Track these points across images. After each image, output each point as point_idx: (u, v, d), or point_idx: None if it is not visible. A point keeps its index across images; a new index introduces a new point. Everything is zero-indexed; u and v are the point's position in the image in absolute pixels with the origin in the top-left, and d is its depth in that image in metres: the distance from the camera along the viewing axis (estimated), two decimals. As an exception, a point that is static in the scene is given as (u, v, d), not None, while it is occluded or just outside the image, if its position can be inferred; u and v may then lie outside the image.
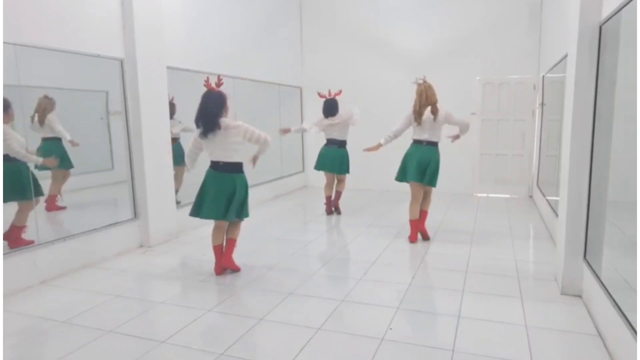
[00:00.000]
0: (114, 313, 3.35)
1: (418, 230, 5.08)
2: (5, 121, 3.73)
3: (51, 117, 4.36)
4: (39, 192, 4.08)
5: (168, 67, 5.19)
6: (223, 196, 3.89)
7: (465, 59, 7.71)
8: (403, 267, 4.20)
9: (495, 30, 7.56)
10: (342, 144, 6.26)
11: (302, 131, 6.41)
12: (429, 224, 5.46)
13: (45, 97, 4.34)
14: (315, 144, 8.63)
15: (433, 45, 7.93)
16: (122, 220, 4.85)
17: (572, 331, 2.99)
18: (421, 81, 4.94)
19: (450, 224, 5.80)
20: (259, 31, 7.45)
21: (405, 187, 8.52)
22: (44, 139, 4.35)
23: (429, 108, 4.80)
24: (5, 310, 3.37)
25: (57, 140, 4.45)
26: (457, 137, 5.20)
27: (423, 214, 5.13)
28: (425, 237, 5.12)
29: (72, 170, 4.66)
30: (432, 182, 4.91)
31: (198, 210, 3.97)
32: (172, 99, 5.56)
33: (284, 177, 8.27)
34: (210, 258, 4.64)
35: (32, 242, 3.93)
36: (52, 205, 4.49)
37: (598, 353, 2.69)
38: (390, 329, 3.01)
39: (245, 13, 7.04)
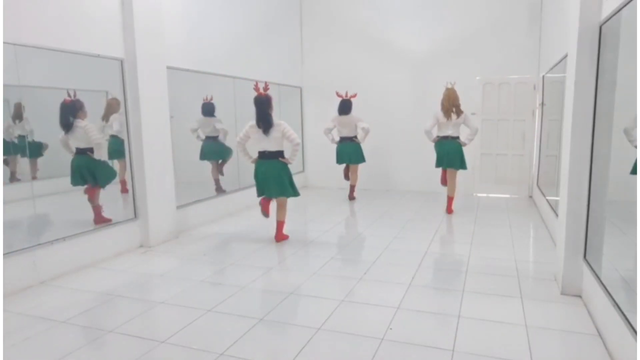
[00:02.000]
0: (114, 313, 3.36)
1: (445, 178, 6.37)
2: (81, 117, 4.46)
3: (114, 117, 4.91)
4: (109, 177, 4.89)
5: (168, 67, 5.19)
6: (267, 177, 4.81)
7: (465, 59, 7.70)
8: (403, 267, 4.20)
9: (495, 30, 7.56)
10: (353, 139, 7.20)
11: (330, 131, 7.27)
12: (431, 223, 5.60)
13: (114, 98, 4.86)
14: (315, 144, 8.67)
15: (433, 45, 7.93)
16: (122, 220, 4.86)
17: (572, 331, 2.99)
18: (450, 85, 6.12)
19: (450, 224, 5.80)
20: (259, 31, 7.45)
21: (405, 186, 8.61)
22: (112, 136, 4.94)
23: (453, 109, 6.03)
24: (5, 310, 3.37)
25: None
26: (464, 144, 6.18)
27: (449, 199, 6.37)
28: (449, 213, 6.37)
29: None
30: (462, 166, 6.19)
31: (261, 192, 4.96)
32: (211, 99, 6.25)
33: (284, 177, 8.25)
34: (209, 258, 4.67)
35: (110, 220, 4.75)
36: (124, 188, 5.17)
37: (598, 353, 2.69)
38: (390, 329, 3.01)
39: (245, 13, 7.04)
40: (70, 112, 4.41)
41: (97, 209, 4.70)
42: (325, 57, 8.65)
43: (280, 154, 4.83)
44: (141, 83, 4.79)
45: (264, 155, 4.83)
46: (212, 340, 2.92)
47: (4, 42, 3.57)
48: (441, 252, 4.80)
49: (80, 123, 4.46)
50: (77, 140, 4.52)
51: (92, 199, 4.66)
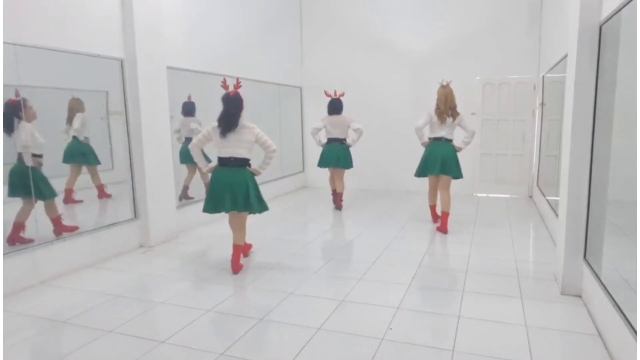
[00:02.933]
0: (114, 313, 3.35)
1: (436, 213, 5.73)
2: (27, 119, 3.94)
3: (77, 116, 4.60)
4: (50, 194, 4.18)
5: (168, 67, 5.19)
6: (234, 189, 4.04)
7: (465, 59, 7.71)
8: (403, 267, 4.20)
9: (495, 30, 7.56)
10: (342, 141, 6.67)
11: (318, 131, 6.75)
12: (432, 222, 5.68)
13: (75, 99, 4.59)
14: (315, 144, 8.64)
15: (433, 45, 7.93)
16: (122, 220, 4.85)
17: (572, 331, 2.99)
18: (445, 84, 5.40)
19: (451, 224, 5.79)
20: (259, 31, 7.45)
21: (405, 187, 8.54)
22: (74, 137, 4.63)
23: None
24: (5, 310, 3.37)
25: (84, 138, 4.72)
26: (459, 149, 5.46)
27: (444, 215, 5.44)
28: (444, 232, 5.41)
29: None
30: (457, 174, 5.40)
31: (210, 206, 4.12)
32: (190, 98, 5.90)
33: (284, 177, 8.27)
34: (210, 258, 4.66)
35: (32, 240, 3.99)
36: (69, 199, 4.70)
37: (598, 353, 2.69)
38: (390, 329, 3.01)
39: (245, 13, 7.04)
40: (14, 113, 3.87)
41: (56, 220, 4.22)
42: (325, 57, 8.65)
43: (247, 162, 4.12)
44: (141, 83, 4.80)
45: (228, 162, 4.05)
46: (212, 340, 2.93)
47: (4, 42, 3.57)
48: (441, 252, 4.80)
49: (22, 125, 3.93)
50: (17, 144, 3.96)
51: (48, 212, 4.17)
